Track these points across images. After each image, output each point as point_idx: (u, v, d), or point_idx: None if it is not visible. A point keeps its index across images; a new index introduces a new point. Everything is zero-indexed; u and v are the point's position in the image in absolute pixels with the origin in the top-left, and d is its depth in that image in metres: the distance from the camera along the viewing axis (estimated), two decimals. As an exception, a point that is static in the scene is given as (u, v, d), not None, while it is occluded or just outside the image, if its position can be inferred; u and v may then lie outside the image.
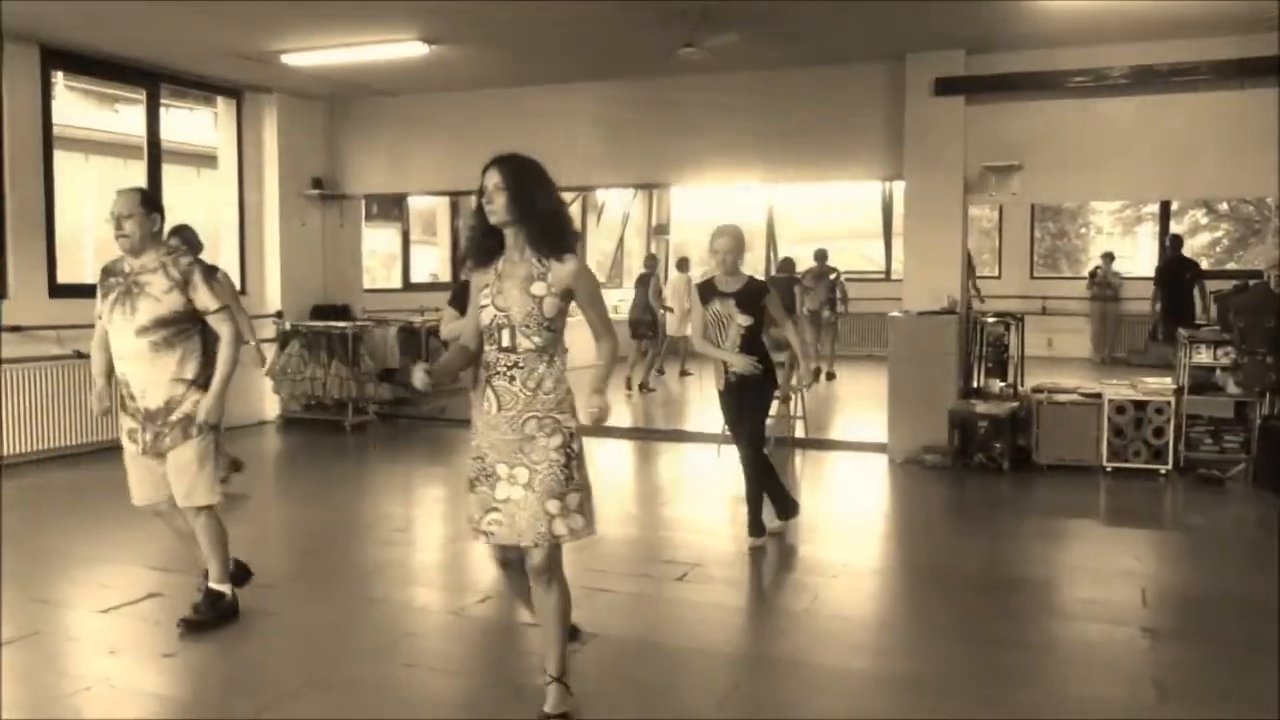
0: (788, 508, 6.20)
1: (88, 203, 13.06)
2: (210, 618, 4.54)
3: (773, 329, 6.15)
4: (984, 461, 7.96)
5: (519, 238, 3.44)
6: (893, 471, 8.25)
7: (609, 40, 8.30)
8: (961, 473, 7.98)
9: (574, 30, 8.02)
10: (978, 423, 8.01)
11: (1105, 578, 5.47)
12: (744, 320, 5.74)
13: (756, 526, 5.94)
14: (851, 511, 7.31)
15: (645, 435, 10.12)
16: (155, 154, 9.65)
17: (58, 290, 8.61)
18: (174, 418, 4.37)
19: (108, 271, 4.48)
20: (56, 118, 8.88)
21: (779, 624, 4.77)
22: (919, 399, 8.30)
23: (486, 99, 10.22)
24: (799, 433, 9.37)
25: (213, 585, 4.62)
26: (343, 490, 7.87)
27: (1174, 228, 16.76)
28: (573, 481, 3.42)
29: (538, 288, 3.39)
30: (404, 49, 8.34)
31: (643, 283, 13.34)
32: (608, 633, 4.57)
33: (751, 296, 5.77)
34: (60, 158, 8.84)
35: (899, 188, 10.94)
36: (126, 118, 13.08)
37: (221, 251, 10.48)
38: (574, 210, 16.84)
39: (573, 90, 9.98)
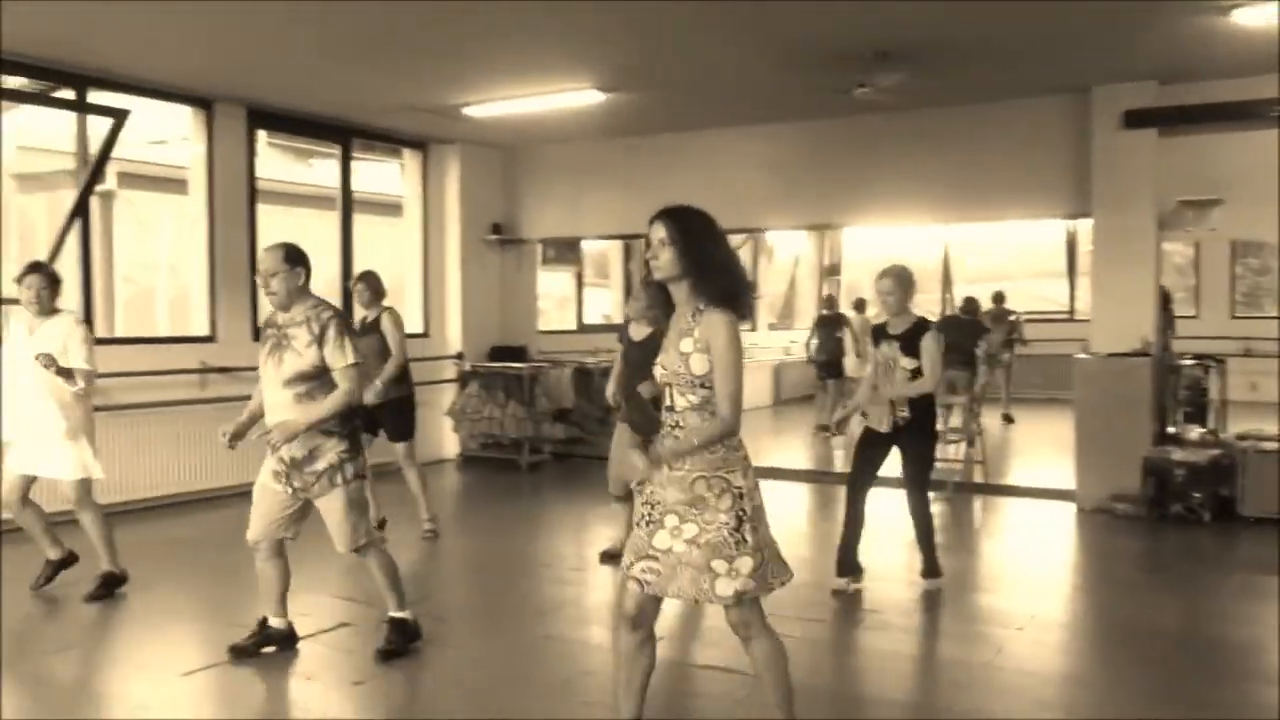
0: (848, 568, 5.84)
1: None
2: (400, 645, 4.71)
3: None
4: (1182, 512, 7.50)
5: (686, 293, 3.30)
6: (1080, 520, 7.86)
7: (780, 83, 8.31)
8: (1157, 524, 7.53)
9: (746, 75, 8.08)
10: (1174, 471, 7.56)
11: (1323, 641, 5.05)
12: (907, 364, 5.57)
13: (930, 568, 5.93)
14: (1037, 560, 6.98)
15: (822, 478, 9.93)
16: (348, 204, 10.21)
17: (259, 334, 9.14)
18: (319, 467, 4.47)
19: (268, 323, 4.67)
20: (259, 172, 9.49)
21: (960, 677, 4.59)
22: (1109, 444, 7.90)
23: (658, 144, 10.39)
24: (978, 478, 9.06)
25: (394, 614, 4.76)
26: (519, 528, 8.04)
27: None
28: (744, 545, 3.23)
29: (685, 344, 3.24)
30: (580, 97, 8.57)
31: (825, 324, 13.29)
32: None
33: (917, 338, 5.58)
34: (261, 209, 9.43)
35: (1084, 225, 10.52)
36: (319, 171, 13.88)
37: (406, 295, 10.96)
38: (744, 254, 16.90)
39: (744, 133, 10.05)
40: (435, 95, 8.78)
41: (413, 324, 10.91)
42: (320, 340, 4.40)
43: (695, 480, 3.23)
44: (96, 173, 8.08)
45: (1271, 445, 7.55)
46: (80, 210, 8.03)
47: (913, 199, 9.63)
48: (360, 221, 10.55)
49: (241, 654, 4.72)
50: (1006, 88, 8.56)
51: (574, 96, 8.57)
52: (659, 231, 3.27)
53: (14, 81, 8.79)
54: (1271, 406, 13.42)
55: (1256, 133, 7.92)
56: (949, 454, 9.36)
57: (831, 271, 19.00)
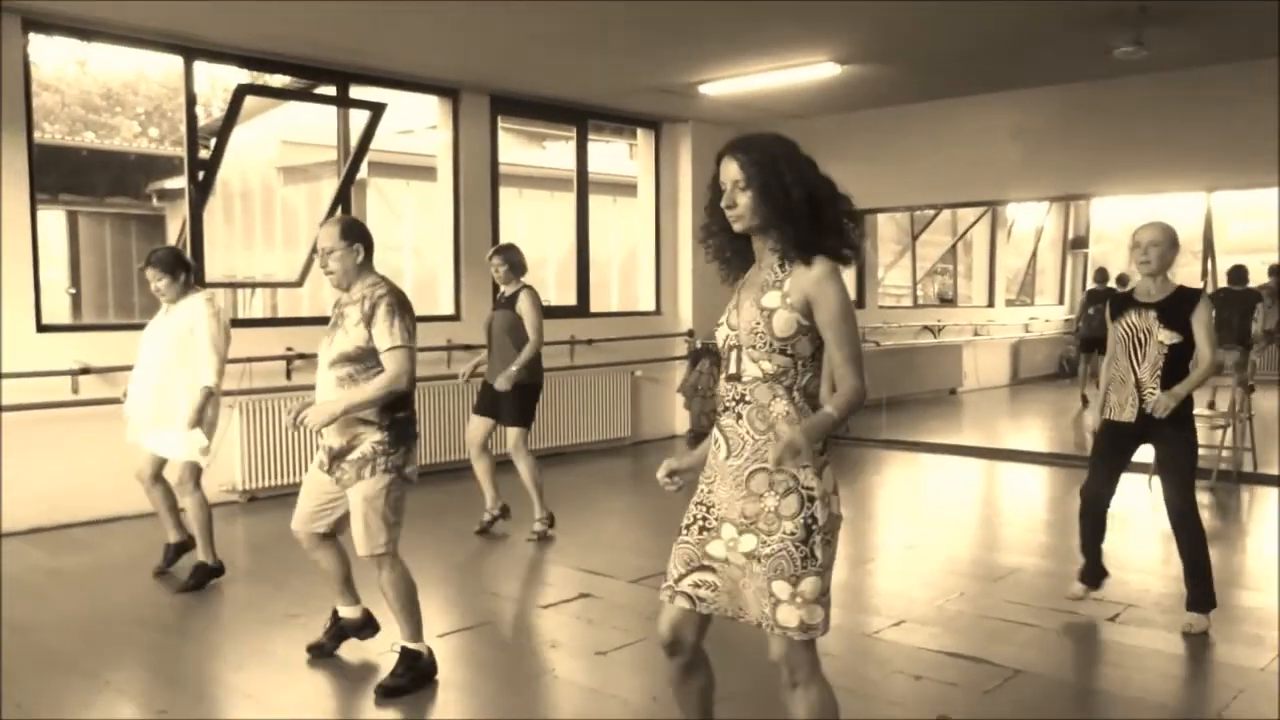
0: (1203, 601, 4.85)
1: (522, 231, 14.39)
2: (406, 681, 4.14)
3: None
4: None
5: (769, 243, 2.68)
6: (1367, 516, 7.17)
7: (1030, 46, 7.90)
8: None
9: (992, 38, 7.72)
10: None
11: None
12: (1166, 337, 4.68)
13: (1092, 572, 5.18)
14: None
15: (1071, 461, 9.42)
16: (583, 185, 10.47)
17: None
18: (353, 456, 4.05)
19: (337, 302, 4.25)
20: (499, 156, 9.86)
21: (1234, 681, 4.27)
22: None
23: (895, 116, 10.10)
24: (1246, 466, 8.40)
25: (405, 645, 4.21)
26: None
27: None
28: (812, 562, 2.59)
29: (770, 298, 2.62)
30: (817, 71, 8.43)
31: (1096, 298, 12.66)
32: (1033, 669, 4.33)
33: (1181, 308, 4.69)
34: (500, 192, 9.80)
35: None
36: (552, 153, 14.29)
37: (639, 273, 11.16)
38: (981, 227, 16.24)
39: (986, 101, 9.62)
40: (669, 75, 8.85)
41: (646, 302, 11.12)
42: (369, 319, 3.99)
43: (754, 474, 2.64)
44: (356, 163, 8.60)
45: None
46: (341, 199, 8.59)
47: (1169, 166, 9.02)
48: (594, 202, 10.80)
49: (320, 651, 4.52)
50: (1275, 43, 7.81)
51: (810, 70, 8.44)
52: (731, 171, 2.63)
53: (279, 80, 9.51)
54: None
55: None
56: (1215, 439, 8.72)
57: (1076, 245, 18.00)
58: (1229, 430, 8.23)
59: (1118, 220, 18.14)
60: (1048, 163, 9.55)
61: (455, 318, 9.33)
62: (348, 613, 4.55)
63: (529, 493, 6.61)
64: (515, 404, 6.53)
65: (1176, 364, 4.71)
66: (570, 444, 9.95)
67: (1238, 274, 11.76)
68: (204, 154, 8.18)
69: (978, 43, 7.82)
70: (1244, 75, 8.28)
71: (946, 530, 7.17)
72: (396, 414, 4.06)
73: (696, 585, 2.73)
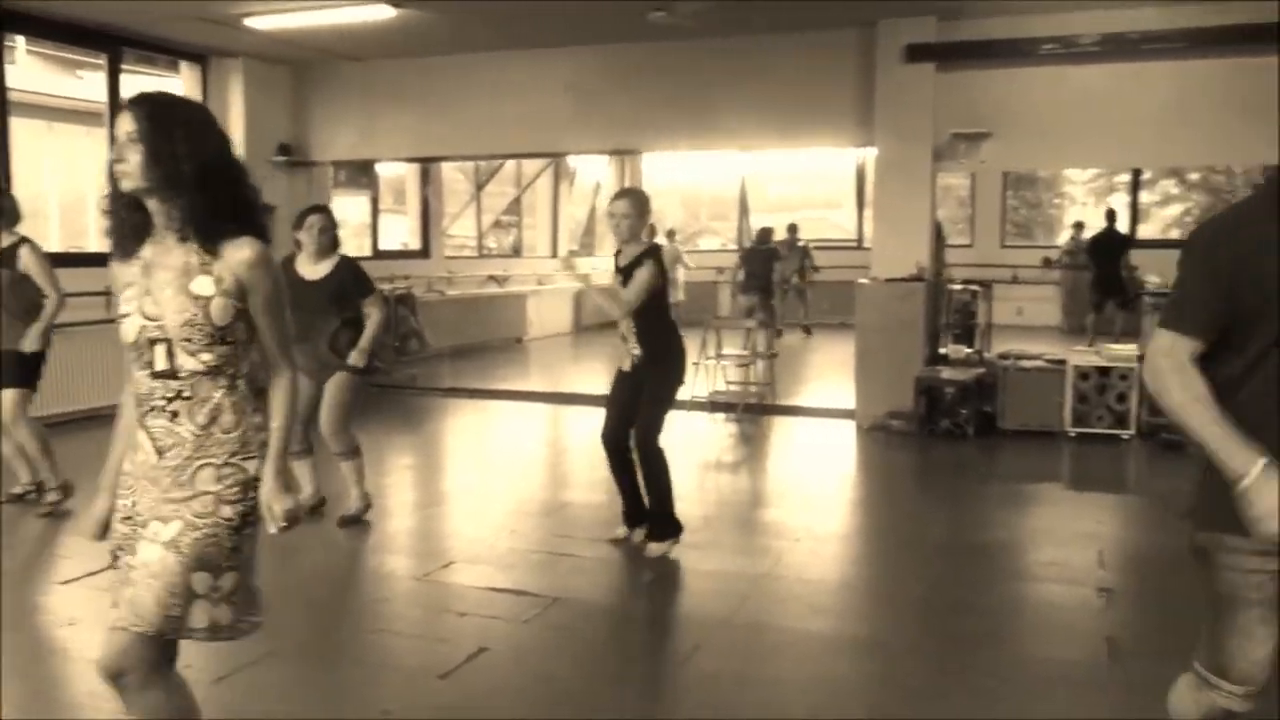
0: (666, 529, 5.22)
1: (51, 170, 12.89)
2: None
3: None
4: (949, 427, 8.02)
5: (170, 213, 2.38)
6: (860, 438, 8.30)
7: (580, 5, 8.22)
8: (927, 439, 8.03)
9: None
10: (944, 389, 8.06)
11: (1066, 541, 5.54)
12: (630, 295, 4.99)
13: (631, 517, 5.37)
14: (817, 477, 7.34)
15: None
16: (115, 120, 9.51)
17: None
18: None
19: None
20: (15, 83, 8.72)
21: (740, 588, 4.80)
22: (886, 365, 8.35)
23: (455, 65, 10.12)
24: (766, 399, 9.44)
25: None
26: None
27: (1145, 197, 16.86)
28: (238, 555, 2.39)
29: (202, 284, 2.35)
30: (370, 11, 8.23)
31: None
32: (570, 596, 4.60)
33: (632, 267, 5.00)
34: (21, 124, 8.70)
35: (872, 155, 10.94)
36: (91, 84, 12.90)
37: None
38: (545, 178, 16.77)
39: (541, 55, 9.89)
40: (214, 3, 8.25)
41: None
42: None
43: (201, 469, 2.37)
44: None
45: (1029, 364, 8.14)
46: None
47: (712, 126, 9.75)
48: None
49: None
50: (802, 19, 8.73)
51: (363, 10, 8.23)
52: (125, 125, 2.34)
53: None
54: (1037, 330, 14.51)
55: (1026, 69, 8.41)
56: (745, 377, 9.69)
57: (633, 198, 19.13)
58: (752, 368, 9.15)
59: (671, 175, 19.59)
60: (598, 117, 10.01)
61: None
62: None
63: (33, 462, 5.94)
64: (16, 366, 5.71)
65: (647, 318, 5.06)
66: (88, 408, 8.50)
67: (761, 235, 13.21)
68: None
69: (528, -4, 8.00)
70: (770, 46, 9.16)
71: (507, 473, 7.41)
72: None
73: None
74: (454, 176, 15.98)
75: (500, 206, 16.86)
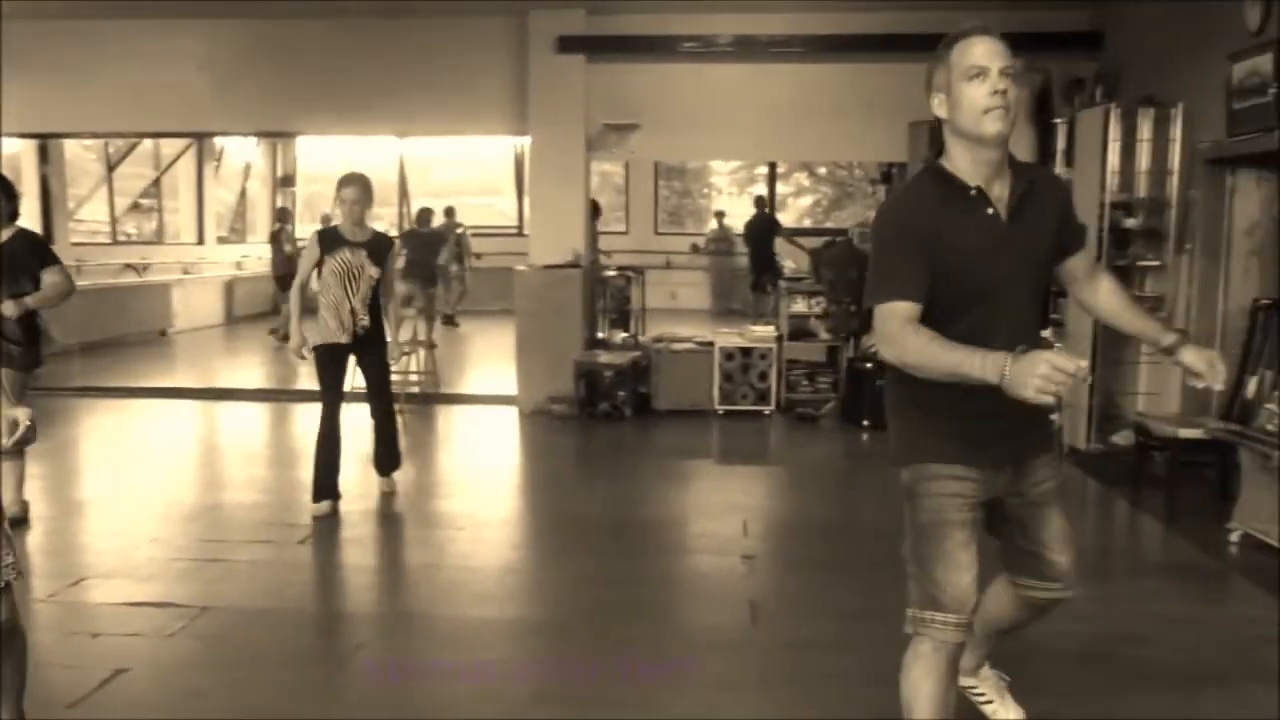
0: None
1: None
2: None
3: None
4: (608, 409, 8.30)
5: None
6: (522, 423, 8.42)
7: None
8: (587, 421, 8.27)
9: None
10: (602, 373, 8.33)
11: (715, 512, 5.90)
12: (375, 272, 5.56)
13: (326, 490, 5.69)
14: (480, 464, 7.37)
15: (278, 396, 9.63)
16: None
17: None
18: None
19: None
20: None
21: (403, 580, 4.74)
22: (546, 350, 8.51)
23: (83, 32, 9.16)
24: (429, 389, 9.35)
25: None
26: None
27: (780, 189, 18.22)
28: None
29: None
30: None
31: (276, 239, 12.91)
32: (219, 604, 4.34)
33: (381, 250, 5.63)
34: None
35: (528, 143, 11.10)
36: None
37: None
38: (188, 159, 15.70)
39: (174, 26, 9.19)
40: None
41: None
42: None
43: None
44: None
45: (679, 346, 8.58)
46: None
47: (368, 109, 9.47)
48: None
49: None
50: (455, 5, 8.69)
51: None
52: None
53: None
54: (689, 313, 15.30)
55: (671, 64, 8.83)
56: (409, 366, 9.53)
57: (286, 182, 18.30)
58: (414, 357, 9.01)
59: (327, 160, 18.85)
60: (242, 97, 9.46)
61: None
62: None
63: None
64: None
65: (375, 295, 5.60)
66: None
67: (422, 217, 13.03)
68: None
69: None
70: (423, 30, 9.03)
71: (149, 477, 6.86)
72: None
73: None
74: (82, 155, 14.61)
75: (137, 189, 15.58)
